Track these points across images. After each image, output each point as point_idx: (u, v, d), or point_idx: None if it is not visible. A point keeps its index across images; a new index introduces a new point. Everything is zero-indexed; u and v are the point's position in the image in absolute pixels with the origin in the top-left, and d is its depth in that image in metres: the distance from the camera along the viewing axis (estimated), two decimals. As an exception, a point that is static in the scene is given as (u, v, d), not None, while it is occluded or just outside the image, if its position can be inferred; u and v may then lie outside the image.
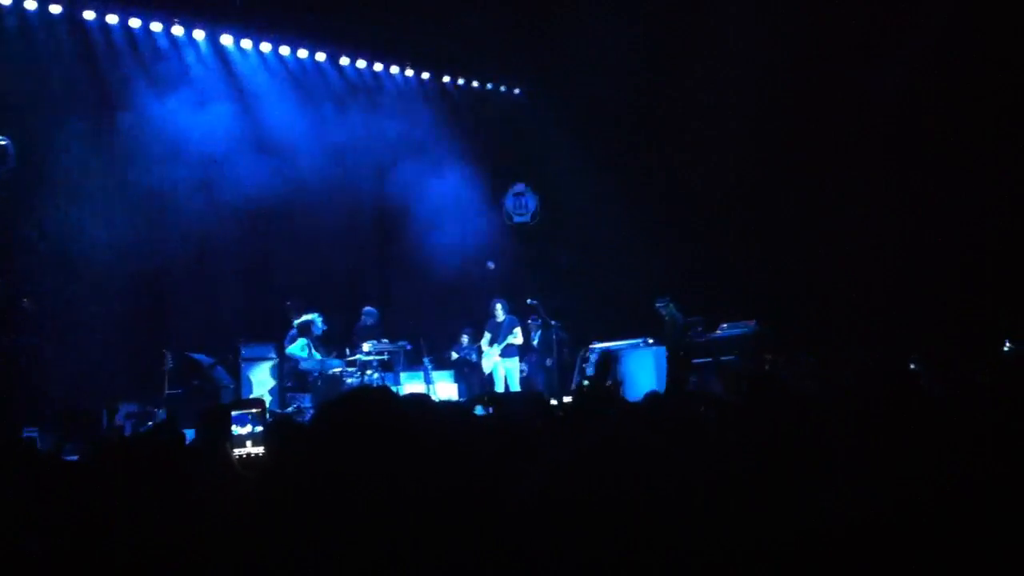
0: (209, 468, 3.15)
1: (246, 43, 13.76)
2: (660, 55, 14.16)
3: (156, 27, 12.93)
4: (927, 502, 2.42)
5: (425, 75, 15.64)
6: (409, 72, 15.49)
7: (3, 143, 10.31)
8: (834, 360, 9.71)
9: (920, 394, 3.74)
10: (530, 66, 15.78)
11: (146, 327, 12.02)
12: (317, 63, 14.55)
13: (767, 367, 11.17)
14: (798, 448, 2.84)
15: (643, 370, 12.12)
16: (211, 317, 12.66)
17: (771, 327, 12.11)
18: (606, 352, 12.31)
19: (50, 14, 12.03)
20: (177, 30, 13.08)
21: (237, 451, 3.25)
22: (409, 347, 13.08)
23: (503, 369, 13.42)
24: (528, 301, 13.91)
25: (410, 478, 2.09)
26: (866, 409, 3.43)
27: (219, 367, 11.78)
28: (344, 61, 14.80)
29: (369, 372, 12.32)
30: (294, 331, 12.43)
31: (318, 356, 12.28)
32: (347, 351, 12.69)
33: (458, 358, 14.20)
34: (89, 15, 12.35)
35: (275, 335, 12.76)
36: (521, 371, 13.92)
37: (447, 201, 14.65)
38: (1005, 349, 9.91)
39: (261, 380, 12.42)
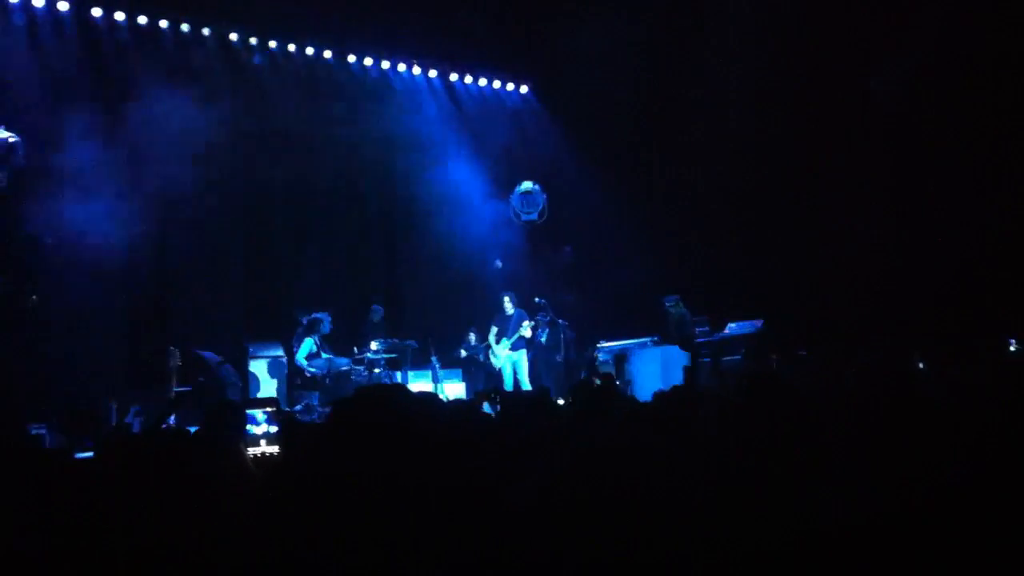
0: (219, 465, 3.14)
1: (253, 40, 13.77)
2: (666, 54, 14.17)
3: (163, 24, 12.94)
4: (926, 502, 2.41)
5: (432, 73, 15.63)
6: (416, 70, 15.48)
7: (13, 140, 10.33)
8: (838, 359, 9.68)
9: (919, 395, 3.73)
10: (538, 64, 15.77)
11: (153, 324, 12.03)
12: (325, 60, 14.54)
13: (774, 367, 11.16)
14: (798, 448, 2.83)
15: (650, 369, 12.12)
16: (219, 315, 12.67)
17: (777, 326, 12.09)
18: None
19: (58, 11, 12.05)
20: (184, 27, 13.08)
21: (252, 450, 3.24)
22: (416, 346, 13.08)
23: (511, 364, 13.38)
24: (536, 300, 13.89)
25: (419, 478, 2.08)
26: (866, 409, 3.42)
27: (227, 365, 11.79)
28: (351, 58, 14.80)
29: (377, 370, 12.32)
30: (301, 329, 12.43)
31: (325, 355, 12.29)
32: (355, 349, 12.69)
33: (465, 356, 14.20)
34: (96, 12, 12.36)
35: (283, 334, 12.77)
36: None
37: (455, 199, 14.64)
38: (1012, 349, 9.87)
39: (269, 378, 12.43)
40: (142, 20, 12.73)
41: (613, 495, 2.26)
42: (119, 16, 12.53)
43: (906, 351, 9.25)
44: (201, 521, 2.56)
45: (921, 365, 7.83)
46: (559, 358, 13.81)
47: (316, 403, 11.90)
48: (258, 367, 12.39)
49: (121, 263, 11.82)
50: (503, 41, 15.03)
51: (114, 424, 8.48)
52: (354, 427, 2.24)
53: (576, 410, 5.51)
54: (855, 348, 10.72)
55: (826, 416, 3.17)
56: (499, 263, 14.88)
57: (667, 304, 13.01)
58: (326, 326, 12.39)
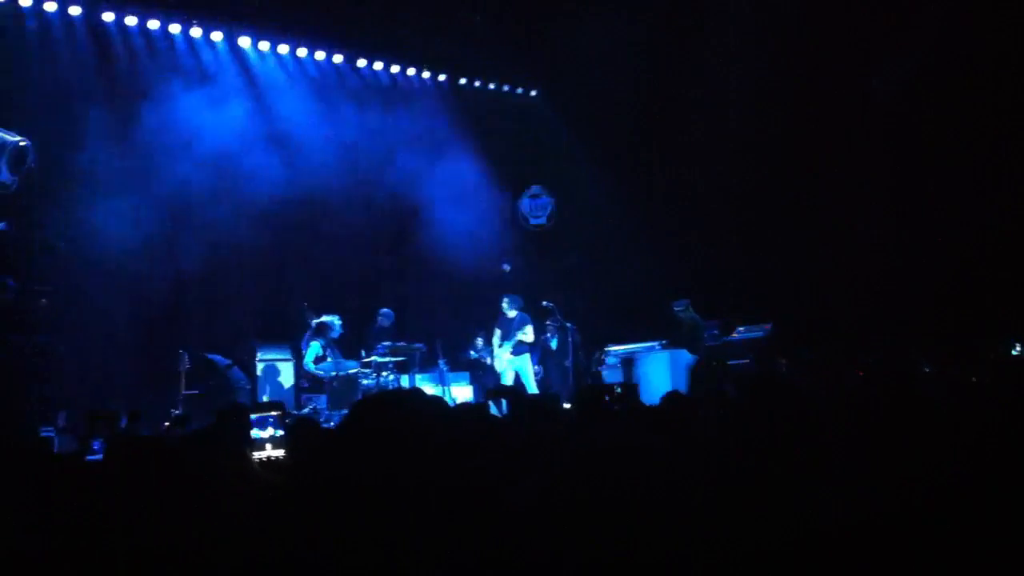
0: (223, 469, 3.16)
1: (264, 45, 13.83)
2: (666, 54, 14.17)
3: (174, 29, 13.00)
4: (926, 502, 2.41)
5: (441, 77, 15.67)
6: (425, 74, 15.51)
7: (23, 144, 10.38)
8: (841, 361, 9.68)
9: (919, 395, 3.73)
10: (545, 68, 15.79)
11: (163, 327, 12.07)
12: (334, 65, 14.59)
13: (783, 370, 11.14)
14: (798, 448, 2.83)
15: (658, 373, 12.11)
16: (228, 318, 12.71)
17: (783, 328, 12.08)
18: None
19: (69, 16, 12.12)
20: (195, 32, 13.15)
21: (257, 454, 3.25)
22: (424, 349, 13.09)
23: (512, 369, 13.36)
24: (544, 303, 13.90)
25: (426, 482, 2.09)
26: (866, 409, 3.42)
27: (235, 368, 11.83)
28: (361, 63, 14.84)
29: (384, 374, 12.34)
30: (309, 332, 12.46)
31: (333, 359, 12.31)
32: (362, 352, 12.71)
33: (473, 360, 14.21)
34: (108, 17, 12.43)
35: (291, 336, 12.80)
36: (537, 373, 13.89)
37: (463, 203, 14.67)
38: (1015, 352, 9.81)
39: (277, 381, 12.47)
40: (153, 25, 12.79)
41: (613, 495, 2.27)
42: (130, 21, 12.60)
43: (908, 352, 9.24)
44: (205, 524, 2.58)
45: (927, 368, 7.80)
46: (567, 362, 13.80)
47: (323, 406, 11.92)
48: (266, 370, 12.43)
49: (132, 266, 11.88)
50: (508, 44, 15.05)
51: (123, 427, 8.50)
52: (365, 431, 2.26)
53: (579, 412, 5.52)
54: (858, 349, 10.71)
55: (826, 416, 3.17)
56: (507, 266, 14.89)
57: (676, 308, 12.99)
58: (335, 330, 12.42)
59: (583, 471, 2.41)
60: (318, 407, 11.94)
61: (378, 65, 15.02)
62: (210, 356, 11.70)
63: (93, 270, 11.62)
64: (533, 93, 16.57)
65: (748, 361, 11.83)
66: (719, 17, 13.60)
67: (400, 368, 12.70)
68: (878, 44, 12.77)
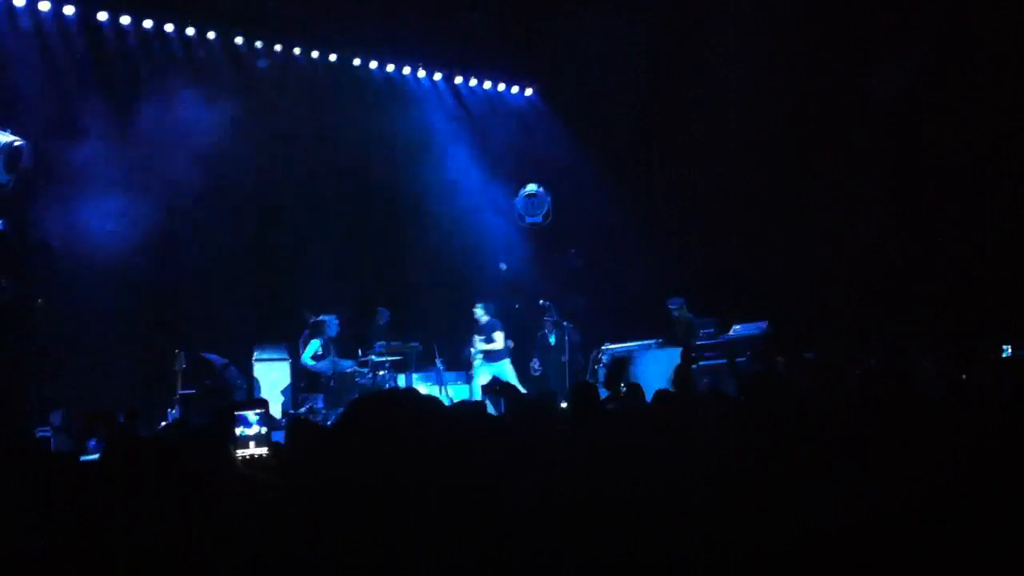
0: (215, 468, 3.15)
1: (259, 44, 13.79)
2: (671, 57, 14.17)
3: (169, 28, 12.97)
4: (926, 502, 2.40)
5: (437, 76, 15.65)
6: (421, 73, 15.50)
7: (19, 144, 10.37)
8: (840, 360, 9.67)
9: (919, 395, 3.72)
10: (541, 65, 15.78)
11: (159, 326, 12.06)
12: (330, 64, 14.56)
13: (780, 368, 11.13)
14: (798, 448, 2.83)
15: (656, 371, 12.10)
16: (224, 317, 12.69)
17: (781, 327, 12.08)
18: (617, 358, 12.31)
19: (63, 15, 12.09)
20: (190, 31, 13.12)
21: (241, 452, 3.25)
22: (421, 348, 13.09)
23: (488, 375, 12.99)
24: (540, 302, 13.90)
25: (424, 482, 2.08)
26: (866, 409, 3.42)
27: (232, 367, 11.82)
28: (357, 62, 14.82)
29: (381, 373, 12.34)
30: (308, 331, 12.46)
31: (331, 357, 12.31)
32: (359, 351, 12.71)
33: (470, 359, 14.20)
34: (102, 16, 12.40)
35: (288, 336, 12.79)
36: (536, 370, 13.90)
37: (459, 202, 14.67)
38: (1005, 355, 9.78)
39: (274, 380, 12.46)
40: (148, 24, 12.76)
41: (613, 495, 2.27)
42: (125, 20, 12.56)
43: (908, 352, 9.24)
44: (200, 522, 2.57)
45: (929, 366, 7.79)
46: (564, 359, 13.80)
47: (320, 406, 11.92)
48: (263, 369, 12.42)
49: (128, 265, 11.85)
50: (507, 43, 15.05)
51: (118, 427, 8.49)
52: (361, 430, 2.25)
53: (573, 410, 5.53)
54: (857, 348, 10.71)
55: (826, 416, 3.17)
56: (504, 265, 14.88)
57: (672, 307, 13.02)
58: (332, 328, 12.41)
59: (583, 471, 2.41)
60: (315, 406, 11.95)
61: (374, 64, 14.98)
62: (206, 355, 11.69)
63: (89, 269, 11.60)
64: (529, 92, 16.56)
65: (745, 359, 11.82)
66: (719, 16, 13.60)
67: (397, 367, 12.70)
68: (878, 44, 12.77)
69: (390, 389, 10.96)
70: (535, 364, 13.96)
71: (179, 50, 13.06)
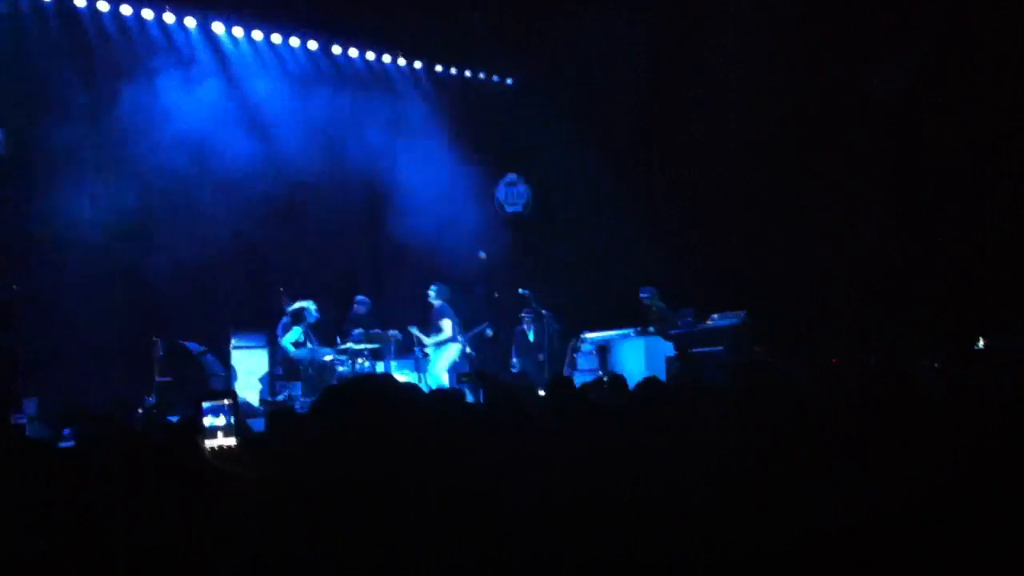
0: (187, 463, 3.15)
1: (238, 31, 13.71)
2: (652, 45, 14.14)
3: (147, 14, 12.87)
4: (926, 502, 2.42)
5: (417, 64, 15.61)
6: (401, 61, 15.44)
7: (-6, 130, 10.28)
8: (822, 352, 9.71)
9: (919, 394, 3.74)
10: (522, 56, 15.74)
11: (136, 314, 12.00)
12: (309, 52, 14.49)
13: (756, 359, 11.18)
14: (797, 448, 2.83)
15: (634, 360, 12.17)
16: (202, 305, 12.65)
17: (760, 319, 12.13)
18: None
19: (40, 2, 11.98)
20: (168, 17, 13.02)
21: (209, 443, 3.24)
22: (400, 336, 13.09)
23: (444, 362, 12.94)
24: (520, 291, 13.90)
25: (410, 475, 2.08)
26: (866, 409, 3.43)
27: (209, 355, 11.78)
28: (336, 50, 14.75)
29: (360, 361, 12.33)
30: (287, 319, 12.42)
31: (311, 345, 12.29)
32: (338, 340, 12.69)
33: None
34: (80, 2, 12.28)
35: (266, 324, 12.75)
36: (513, 365, 13.90)
37: (439, 191, 14.63)
38: (978, 346, 9.85)
39: (251, 368, 12.42)
40: (126, 10, 12.64)
41: (613, 495, 2.28)
42: (103, 6, 12.45)
43: (907, 350, 9.26)
44: (165, 517, 2.56)
45: (928, 365, 7.80)
46: (542, 355, 13.80)
47: (298, 393, 11.90)
48: (241, 357, 12.37)
49: (105, 253, 11.78)
50: (489, 32, 14.99)
51: (94, 415, 8.45)
52: (338, 418, 2.24)
53: (551, 402, 5.51)
54: (857, 347, 10.72)
55: (826, 415, 3.17)
56: (483, 254, 14.87)
57: (643, 296, 13.07)
58: (311, 315, 12.38)
59: (581, 470, 2.42)
60: (293, 394, 11.93)
61: (353, 52, 14.92)
62: (183, 343, 11.64)
63: (66, 257, 11.52)
64: (509, 81, 16.54)
65: (721, 348, 11.87)
66: (715, 11, 13.62)
67: (375, 355, 12.69)
68: (878, 44, 12.79)
69: (366, 375, 10.94)
70: (514, 362, 13.96)
71: (158, 36, 12.96)
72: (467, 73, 16.17)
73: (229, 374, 11.99)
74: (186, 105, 12.47)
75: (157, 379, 11.00)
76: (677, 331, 12.61)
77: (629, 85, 14.60)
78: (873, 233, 12.80)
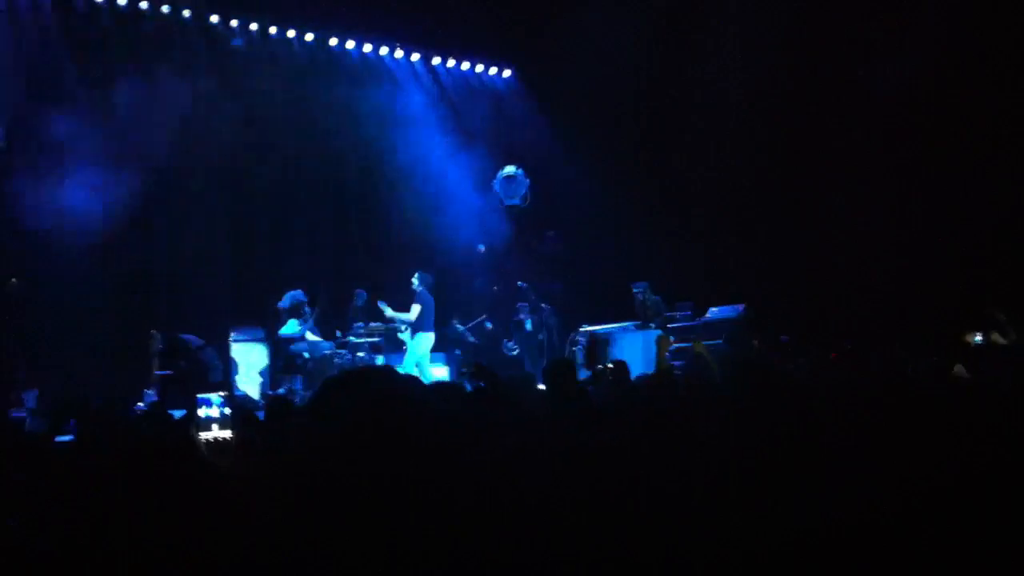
0: (183, 458, 3.14)
1: (234, 22, 13.68)
2: (651, 39, 14.12)
3: (143, 6, 12.84)
4: (926, 502, 2.41)
5: (415, 56, 15.58)
6: (399, 53, 15.42)
7: (-9, 124, 10.26)
8: (818, 345, 9.71)
9: (919, 394, 3.73)
10: (521, 49, 15.72)
11: (135, 308, 11.99)
12: (306, 43, 14.46)
13: (754, 352, 11.19)
14: (797, 447, 2.82)
15: (633, 353, 12.15)
16: (201, 298, 12.64)
17: (759, 312, 12.14)
18: (594, 337, 12.35)
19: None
20: (164, 8, 12.99)
21: (204, 435, 3.23)
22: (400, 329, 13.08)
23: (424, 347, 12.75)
24: (519, 284, 13.90)
25: (407, 469, 2.07)
26: (864, 407, 3.42)
27: (208, 348, 11.77)
28: (334, 41, 14.72)
29: (360, 354, 12.33)
30: (284, 315, 12.42)
31: (313, 337, 12.29)
32: (338, 333, 12.68)
33: (449, 340, 14.20)
34: (77, -6, 12.28)
35: (266, 317, 12.74)
36: (511, 350, 13.93)
37: (438, 184, 14.63)
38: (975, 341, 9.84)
39: (251, 362, 12.43)
40: (122, 2, 12.61)
41: (610, 492, 2.27)
42: (98, -1, 12.44)
43: (903, 345, 9.25)
44: (161, 513, 2.55)
45: (927, 362, 7.78)
46: (541, 337, 13.82)
47: (299, 387, 11.90)
48: (240, 351, 12.37)
49: (104, 246, 11.77)
50: (490, 25, 14.97)
51: (94, 409, 8.44)
52: (336, 412, 2.23)
53: (549, 390, 5.51)
54: (853, 342, 10.72)
55: (825, 413, 3.15)
56: (482, 247, 14.87)
57: (636, 291, 13.05)
58: (305, 305, 12.41)
59: (582, 470, 2.41)
60: (294, 387, 11.92)
61: (351, 44, 14.90)
62: (183, 337, 11.63)
63: (64, 250, 11.50)
64: (507, 73, 16.51)
65: (720, 342, 11.87)
66: (720, 6, 13.61)
67: (376, 349, 12.69)
68: (878, 41, 12.76)
69: (365, 366, 10.94)
70: (511, 343, 13.97)
71: (154, 29, 12.93)
72: (465, 65, 16.14)
73: (228, 367, 11.99)
74: (182, 98, 12.44)
75: (156, 373, 10.99)
76: (676, 325, 12.61)
77: (630, 78, 14.58)
78: (872, 228, 12.79)
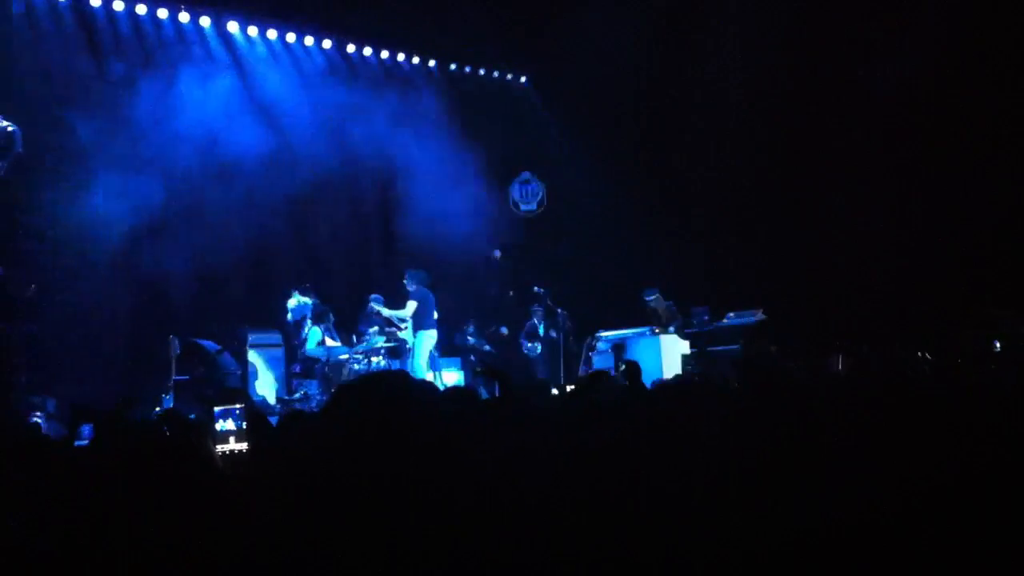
0: (198, 466, 3.15)
1: (252, 31, 13.76)
2: (665, 46, 14.14)
3: (162, 14, 12.93)
4: (926, 501, 2.40)
5: (431, 63, 15.62)
6: (415, 60, 15.46)
7: (11, 129, 10.31)
8: (834, 351, 9.67)
9: (919, 394, 3.71)
10: (536, 55, 15.74)
11: (152, 313, 12.05)
12: (323, 51, 14.53)
13: (771, 358, 11.12)
14: (798, 446, 2.81)
15: (649, 358, 12.11)
16: (218, 303, 12.69)
17: (776, 317, 12.09)
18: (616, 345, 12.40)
19: (56, 1, 12.04)
20: (183, 17, 13.08)
21: (220, 447, 3.23)
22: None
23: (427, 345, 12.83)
24: (535, 289, 13.89)
25: (419, 473, 2.07)
26: (866, 408, 3.40)
27: (226, 353, 11.82)
28: (350, 49, 14.78)
29: (375, 359, 12.34)
30: (308, 320, 12.48)
31: (332, 341, 12.35)
32: (353, 338, 12.71)
33: (464, 346, 14.22)
34: (96, 2, 12.34)
35: (281, 322, 12.79)
36: (529, 349, 13.95)
37: (453, 190, 14.63)
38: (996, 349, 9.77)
39: (267, 367, 12.46)
40: (141, 10, 12.71)
41: (616, 493, 2.26)
42: (118, 6, 12.51)
43: (903, 343, 9.23)
44: (174, 519, 2.55)
45: (927, 361, 7.76)
46: (555, 337, 13.81)
47: (315, 392, 11.94)
48: (257, 356, 12.42)
49: (121, 251, 11.84)
50: (503, 31, 14.98)
51: (111, 414, 8.48)
52: (350, 417, 2.23)
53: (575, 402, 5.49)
54: (857, 342, 10.68)
55: (826, 414, 3.15)
56: (497, 253, 14.88)
57: (648, 299, 12.98)
58: (326, 312, 12.48)
59: (587, 470, 2.40)
60: (310, 392, 11.96)
61: (367, 51, 14.95)
62: (200, 342, 11.68)
63: (81, 256, 11.58)
64: (523, 80, 16.52)
65: (737, 347, 11.82)
66: (716, 8, 13.59)
67: (391, 354, 12.70)
68: (879, 41, 12.73)
69: (381, 372, 10.95)
70: (529, 344, 14.00)
71: (172, 36, 13.02)
72: (481, 71, 16.17)
73: (245, 372, 12.04)
74: (201, 104, 12.51)
75: (174, 378, 11.04)
76: (693, 330, 12.57)
77: (644, 82, 14.59)
78: (872, 228, 12.76)
